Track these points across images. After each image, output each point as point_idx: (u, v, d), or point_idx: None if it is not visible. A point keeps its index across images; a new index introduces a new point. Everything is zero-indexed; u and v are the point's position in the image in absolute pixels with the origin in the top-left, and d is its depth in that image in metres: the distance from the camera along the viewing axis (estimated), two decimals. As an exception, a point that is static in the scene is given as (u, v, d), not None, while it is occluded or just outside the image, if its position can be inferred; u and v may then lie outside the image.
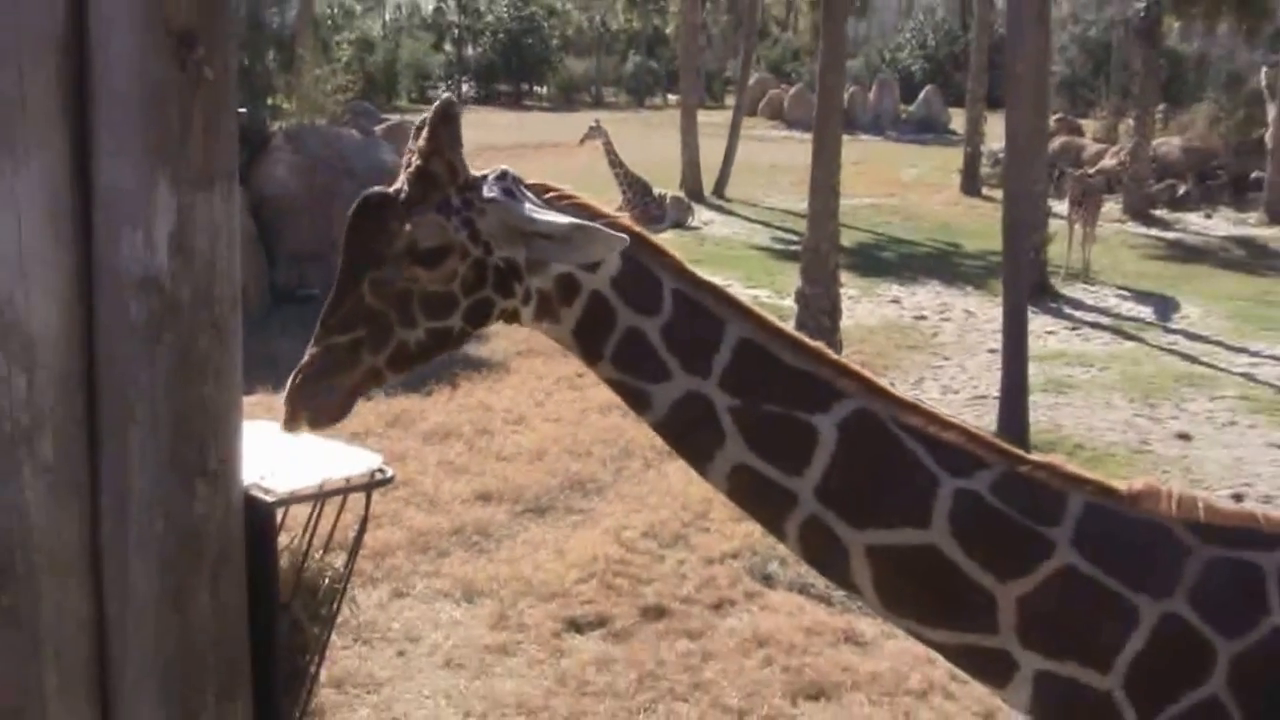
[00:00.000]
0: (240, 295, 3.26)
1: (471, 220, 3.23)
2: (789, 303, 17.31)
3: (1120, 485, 3.22)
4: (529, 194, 3.29)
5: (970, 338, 17.77)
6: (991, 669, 3.20)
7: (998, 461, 3.16)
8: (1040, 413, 13.84)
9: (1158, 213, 29.21)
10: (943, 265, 23.08)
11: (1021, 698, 3.19)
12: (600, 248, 3.17)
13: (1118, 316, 19.39)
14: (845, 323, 16.71)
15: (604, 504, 10.71)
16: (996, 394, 13.48)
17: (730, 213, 28.24)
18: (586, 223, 3.18)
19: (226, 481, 3.25)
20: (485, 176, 3.28)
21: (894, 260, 23.41)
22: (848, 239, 19.64)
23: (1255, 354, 17.30)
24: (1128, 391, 15.21)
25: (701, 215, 27.06)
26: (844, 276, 17.44)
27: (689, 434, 3.28)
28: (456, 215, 3.23)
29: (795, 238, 21.63)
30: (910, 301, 20.07)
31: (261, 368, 12.30)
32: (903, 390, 13.84)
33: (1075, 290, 20.68)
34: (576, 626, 8.54)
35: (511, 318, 3.33)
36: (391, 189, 3.24)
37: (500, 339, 16.11)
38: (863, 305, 19.22)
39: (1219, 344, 17.78)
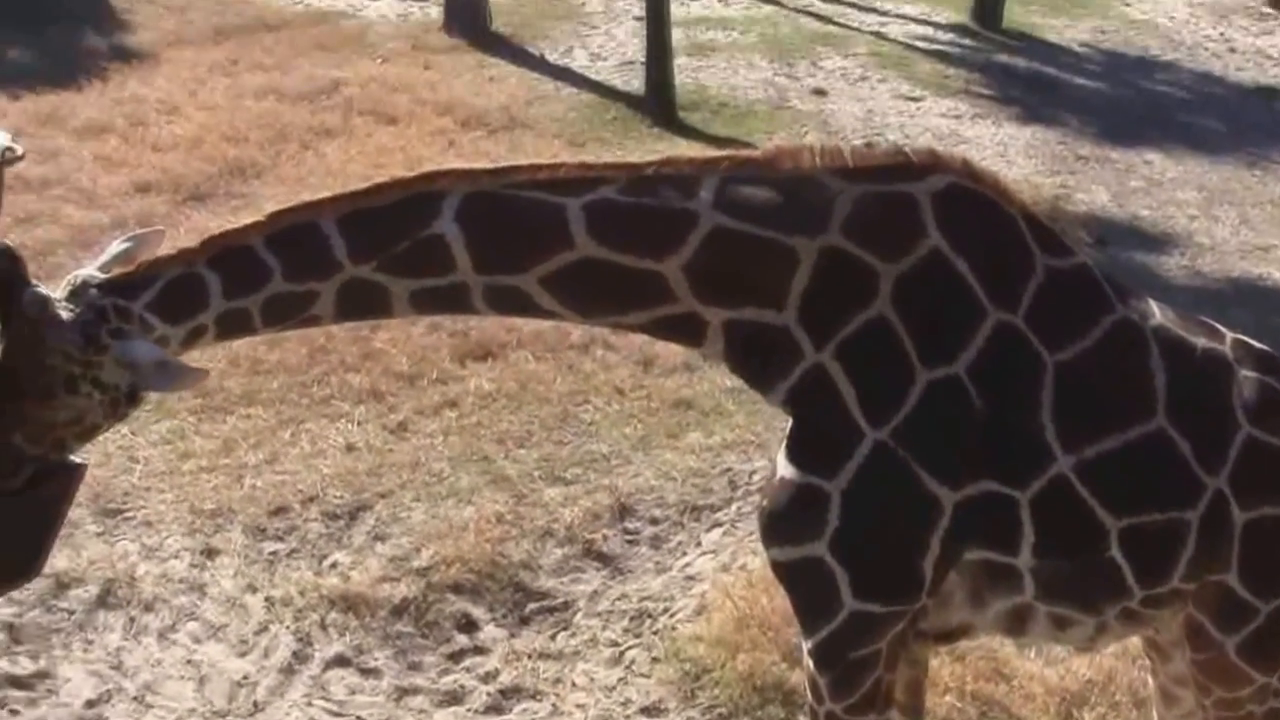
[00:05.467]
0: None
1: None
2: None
3: (756, 154, 3.53)
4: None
5: (616, 5, 17.88)
6: (687, 331, 3.56)
7: (620, 175, 3.45)
8: (686, 75, 14.30)
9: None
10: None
11: (717, 348, 3.56)
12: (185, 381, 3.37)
13: (755, -20, 19.80)
14: (494, -9, 16.63)
15: (264, 187, 10.73)
16: (644, 59, 13.87)
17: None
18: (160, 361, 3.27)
19: None
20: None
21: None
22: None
23: (884, 13, 18.10)
24: (767, 52, 15.81)
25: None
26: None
27: (362, 310, 3.58)
28: None
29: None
30: (559, -30, 19.96)
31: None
32: (554, 59, 13.97)
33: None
34: (245, 308, 8.69)
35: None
36: None
37: (146, 30, 15.50)
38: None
39: (850, 4, 18.45)
